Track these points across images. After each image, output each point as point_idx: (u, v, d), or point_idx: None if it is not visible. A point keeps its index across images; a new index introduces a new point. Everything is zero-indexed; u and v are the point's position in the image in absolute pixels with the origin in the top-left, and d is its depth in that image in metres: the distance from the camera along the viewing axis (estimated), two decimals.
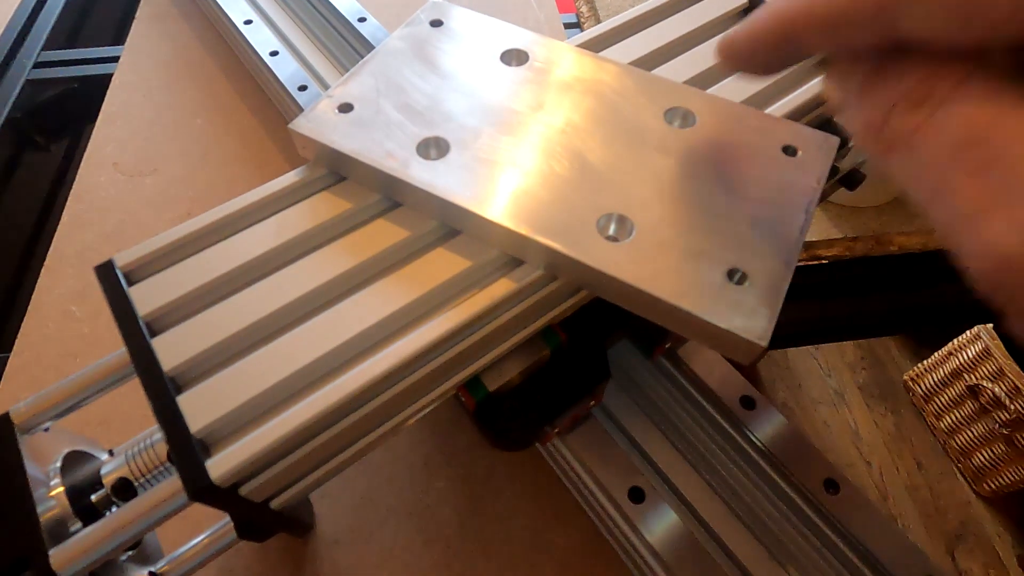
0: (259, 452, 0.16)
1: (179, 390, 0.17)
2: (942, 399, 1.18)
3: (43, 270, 0.39)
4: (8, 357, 0.36)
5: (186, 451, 0.16)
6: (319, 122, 0.21)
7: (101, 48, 0.57)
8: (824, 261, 0.39)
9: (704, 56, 0.25)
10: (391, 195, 0.20)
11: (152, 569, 0.22)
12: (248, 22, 0.44)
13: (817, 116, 0.27)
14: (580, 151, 0.20)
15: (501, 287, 0.19)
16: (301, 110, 0.39)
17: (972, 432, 1.17)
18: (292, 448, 0.17)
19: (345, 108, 0.21)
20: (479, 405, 0.22)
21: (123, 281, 0.19)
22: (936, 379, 1.19)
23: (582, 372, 0.24)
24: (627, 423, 0.27)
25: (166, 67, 0.51)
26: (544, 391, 0.23)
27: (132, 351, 0.17)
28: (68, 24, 0.61)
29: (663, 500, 0.24)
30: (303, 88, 0.39)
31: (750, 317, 0.16)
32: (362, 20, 0.42)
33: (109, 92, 0.49)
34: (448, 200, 0.19)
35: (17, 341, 0.36)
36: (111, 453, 0.23)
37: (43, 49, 0.56)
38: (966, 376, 1.14)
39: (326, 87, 0.41)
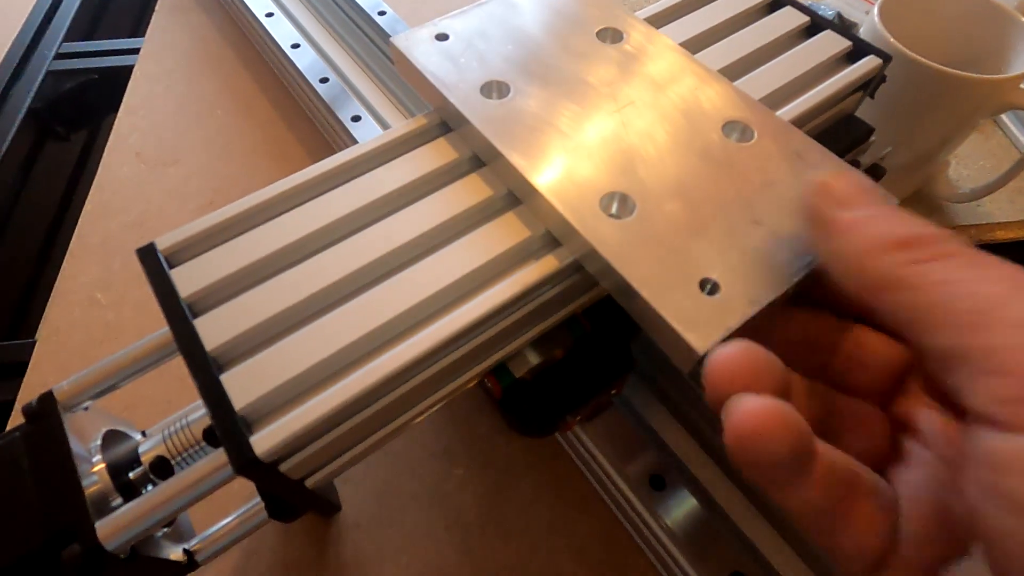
0: (301, 429, 0.16)
1: (222, 369, 0.17)
2: None
3: (67, 257, 0.40)
4: (35, 343, 0.36)
5: (231, 428, 0.16)
6: (415, 42, 0.23)
7: (121, 40, 0.57)
8: None
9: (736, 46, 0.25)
10: (452, 123, 0.23)
11: (186, 546, 0.22)
12: (269, 15, 0.44)
13: (838, 111, 0.27)
14: (623, 134, 0.20)
15: (539, 269, 0.19)
16: (322, 102, 0.39)
17: None
18: (333, 426, 0.17)
19: (441, 37, 0.23)
20: (505, 391, 0.23)
21: (165, 264, 0.19)
22: None
23: (606, 362, 0.24)
24: (646, 413, 0.28)
25: (187, 59, 0.51)
26: (569, 379, 0.23)
27: (175, 332, 0.18)
28: (88, 16, 0.61)
29: (683, 488, 0.24)
30: (324, 80, 0.40)
31: (699, 323, 0.16)
32: (382, 14, 0.42)
33: (131, 83, 0.49)
34: (487, 138, 0.20)
35: (42, 327, 0.36)
36: (144, 434, 0.24)
37: (64, 40, 0.56)
38: None
39: (346, 80, 0.41)
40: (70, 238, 0.42)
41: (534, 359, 0.23)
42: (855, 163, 0.27)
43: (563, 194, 0.19)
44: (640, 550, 0.28)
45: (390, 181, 0.21)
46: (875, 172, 0.28)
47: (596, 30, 0.24)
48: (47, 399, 0.19)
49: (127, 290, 0.38)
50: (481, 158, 0.22)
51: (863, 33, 0.36)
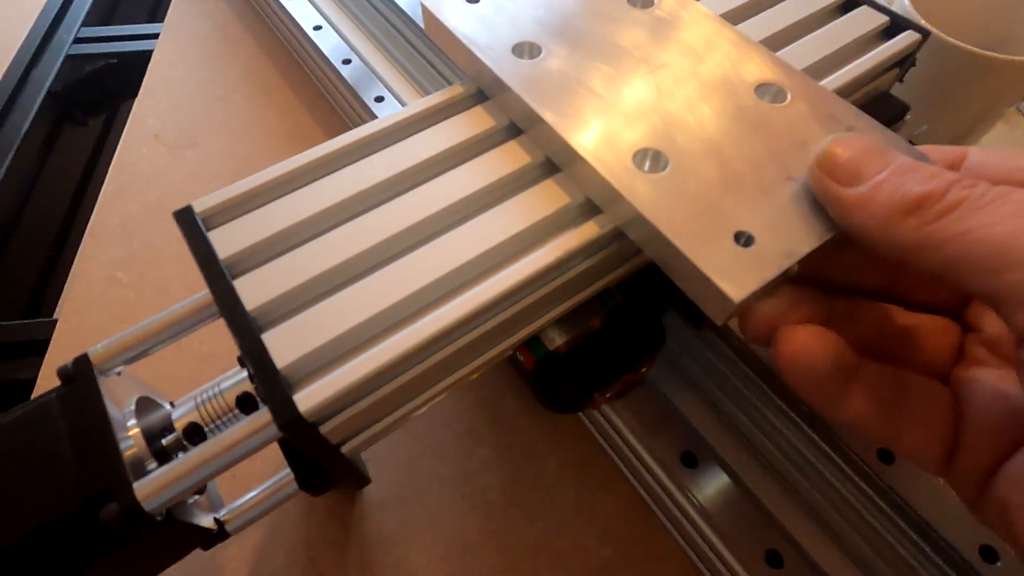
0: (344, 389, 0.16)
1: (262, 329, 0.17)
2: None
3: (86, 237, 0.40)
4: (55, 322, 0.36)
5: (274, 386, 0.16)
6: (446, 5, 0.23)
7: (139, 25, 0.57)
8: None
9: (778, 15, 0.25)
10: (487, 89, 0.23)
11: (216, 516, 0.22)
12: None
13: (873, 89, 0.27)
14: (659, 94, 0.20)
15: (578, 236, 0.19)
16: (345, 84, 0.39)
17: None
18: (373, 389, 0.17)
19: (472, 0, 0.23)
20: (538, 363, 0.23)
21: (202, 226, 0.19)
22: None
23: (638, 336, 0.24)
24: (673, 396, 0.27)
25: (206, 44, 0.51)
26: (602, 353, 0.23)
27: (215, 292, 0.18)
28: (106, 1, 0.61)
29: (715, 465, 0.24)
30: (347, 62, 0.40)
31: (734, 273, 0.16)
32: None
33: (150, 67, 0.49)
34: (518, 95, 0.20)
35: (63, 305, 0.36)
36: (172, 405, 0.23)
37: (82, 25, 0.56)
38: None
39: (367, 62, 0.41)
40: (88, 220, 0.42)
41: (567, 332, 0.23)
42: None
43: (596, 150, 0.19)
44: (666, 529, 0.28)
45: (426, 148, 0.21)
46: None
47: None
48: (82, 361, 0.19)
49: (147, 270, 0.38)
50: (518, 125, 0.22)
51: None
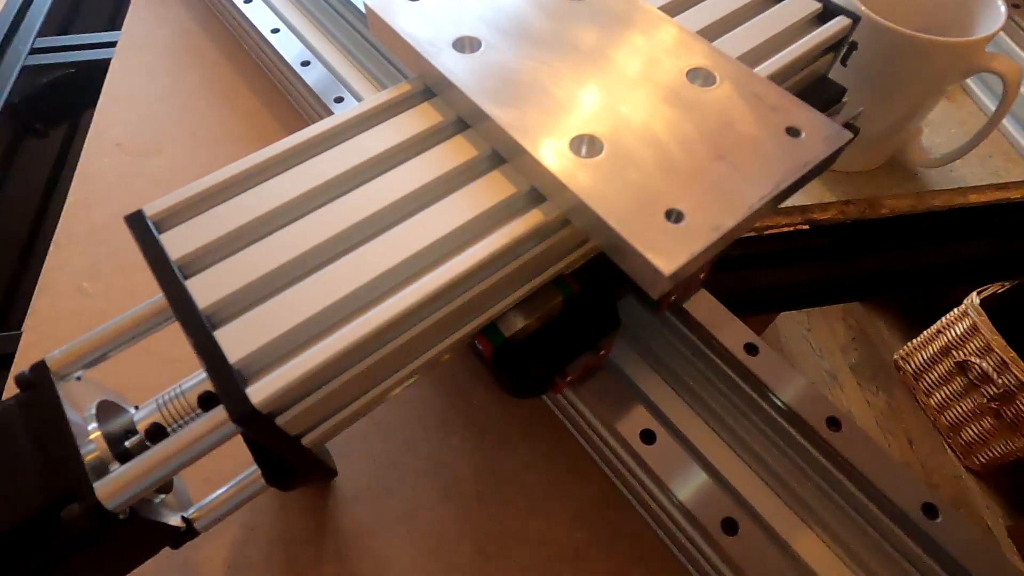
0: (296, 379, 0.16)
1: (216, 327, 0.17)
2: (932, 376, 1.21)
3: (52, 247, 0.39)
4: (20, 335, 0.36)
5: (227, 380, 0.16)
6: (390, 4, 0.24)
7: (98, 34, 0.57)
8: (817, 225, 0.40)
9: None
10: (427, 81, 0.23)
11: (184, 514, 0.22)
12: (248, 1, 0.44)
13: (810, 73, 0.28)
14: (592, 81, 0.21)
15: (524, 223, 0.19)
16: (305, 86, 0.39)
17: (961, 407, 1.20)
18: (328, 379, 0.17)
19: None
20: (497, 351, 0.23)
21: (154, 229, 0.19)
22: (925, 357, 1.21)
23: (594, 320, 0.25)
24: (636, 378, 0.28)
25: (166, 50, 0.51)
26: (558, 338, 0.24)
27: (168, 294, 0.18)
28: (62, 10, 0.60)
29: (674, 441, 0.25)
30: (306, 63, 0.40)
31: (664, 249, 0.17)
32: None
33: (110, 75, 0.49)
34: (460, 89, 0.21)
35: (28, 318, 0.36)
36: (136, 409, 0.24)
37: (38, 35, 0.56)
38: (955, 353, 1.16)
39: (327, 64, 0.41)
40: (52, 233, 0.42)
41: (524, 319, 0.23)
42: None
43: (535, 140, 0.20)
44: (634, 508, 0.29)
45: (375, 145, 0.21)
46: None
47: None
48: (40, 367, 0.20)
49: (115, 279, 0.38)
50: (464, 119, 0.22)
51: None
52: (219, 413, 0.18)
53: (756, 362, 0.27)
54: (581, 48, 0.22)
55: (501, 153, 0.21)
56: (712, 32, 0.26)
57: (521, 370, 0.23)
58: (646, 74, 0.21)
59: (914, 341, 1.24)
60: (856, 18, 0.26)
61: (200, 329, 0.17)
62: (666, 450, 0.25)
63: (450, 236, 0.19)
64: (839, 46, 0.27)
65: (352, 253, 0.19)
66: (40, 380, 0.19)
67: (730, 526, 0.23)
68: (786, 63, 0.24)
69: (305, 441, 0.19)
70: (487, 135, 0.21)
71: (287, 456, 0.20)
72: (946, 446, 1.21)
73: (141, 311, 0.20)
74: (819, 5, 0.26)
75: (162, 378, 0.34)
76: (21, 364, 0.34)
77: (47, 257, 0.39)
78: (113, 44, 0.54)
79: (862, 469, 0.24)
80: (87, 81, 0.54)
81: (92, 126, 0.46)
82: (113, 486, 0.17)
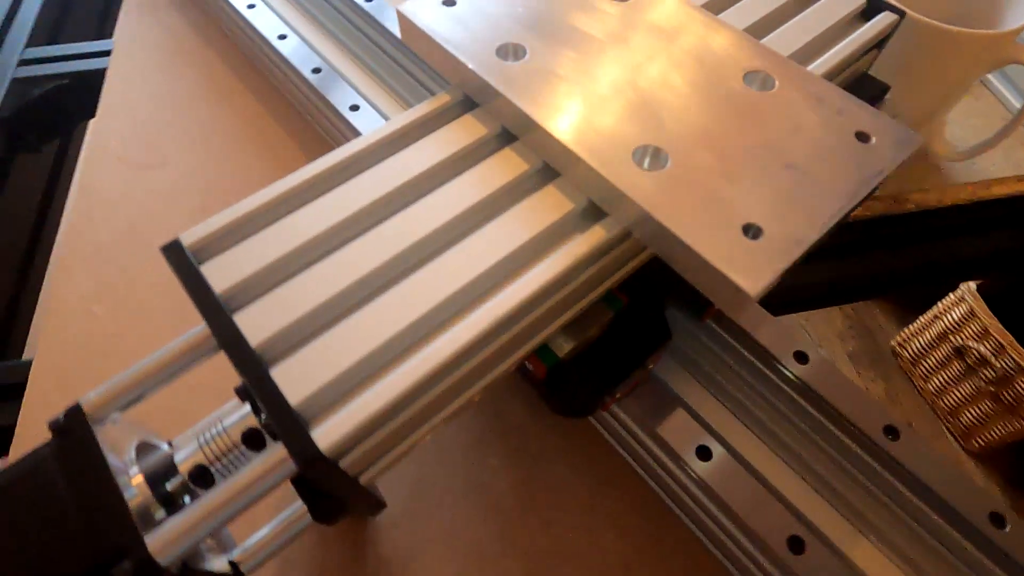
0: (364, 422, 0.15)
1: (269, 364, 0.16)
2: (929, 362, 1.22)
3: (57, 269, 0.38)
4: (30, 362, 0.34)
5: (290, 424, 0.15)
6: (422, 9, 0.22)
7: (89, 43, 0.55)
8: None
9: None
10: (468, 91, 0.22)
11: (230, 558, 0.21)
12: (251, 6, 0.42)
13: (854, 71, 0.27)
14: (647, 88, 0.20)
15: (586, 242, 0.18)
16: (317, 93, 0.38)
17: (959, 392, 1.21)
18: (392, 417, 0.16)
19: (448, 2, 0.23)
20: (550, 371, 0.22)
21: (193, 259, 0.18)
22: (923, 343, 1.22)
23: (645, 334, 0.24)
24: (680, 389, 0.27)
25: (162, 57, 0.49)
26: (611, 355, 0.23)
27: (216, 330, 0.17)
28: (49, 20, 0.58)
29: (730, 457, 0.24)
30: (317, 71, 0.38)
31: (748, 267, 0.16)
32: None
33: (106, 84, 0.47)
34: (508, 99, 0.20)
35: (39, 344, 0.35)
36: (170, 445, 0.23)
37: (26, 46, 0.54)
38: (952, 338, 1.17)
39: (336, 70, 0.40)
40: (50, 251, 0.40)
41: (576, 337, 0.23)
42: None
43: (594, 151, 0.19)
44: (682, 522, 0.28)
45: (419, 162, 0.20)
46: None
47: None
48: (75, 412, 0.18)
49: (125, 299, 0.36)
50: (510, 130, 0.21)
51: None
52: (274, 455, 0.17)
53: (807, 370, 0.26)
54: (631, 53, 0.21)
55: (554, 166, 0.20)
56: (756, 32, 0.25)
57: (576, 391, 0.23)
58: (702, 79, 0.20)
59: (911, 327, 1.25)
60: (902, 13, 0.25)
61: (255, 367, 0.16)
62: (723, 466, 0.24)
63: (507, 259, 0.18)
64: (883, 43, 0.26)
65: (405, 281, 0.18)
66: (76, 426, 0.18)
67: (796, 545, 0.22)
68: (836, 62, 0.24)
69: (362, 479, 0.18)
70: (538, 147, 0.20)
71: (342, 495, 0.19)
72: (945, 430, 1.23)
73: (179, 345, 0.19)
74: (863, 1, 0.26)
75: (183, 404, 0.32)
76: (34, 396, 0.33)
77: (53, 279, 0.37)
78: (106, 53, 0.52)
79: (924, 479, 0.23)
80: (81, 92, 0.52)
81: (90, 138, 0.44)
82: (165, 539, 0.16)
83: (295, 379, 0.16)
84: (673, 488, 0.26)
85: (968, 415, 1.18)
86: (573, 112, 0.19)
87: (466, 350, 0.17)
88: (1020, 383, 1.13)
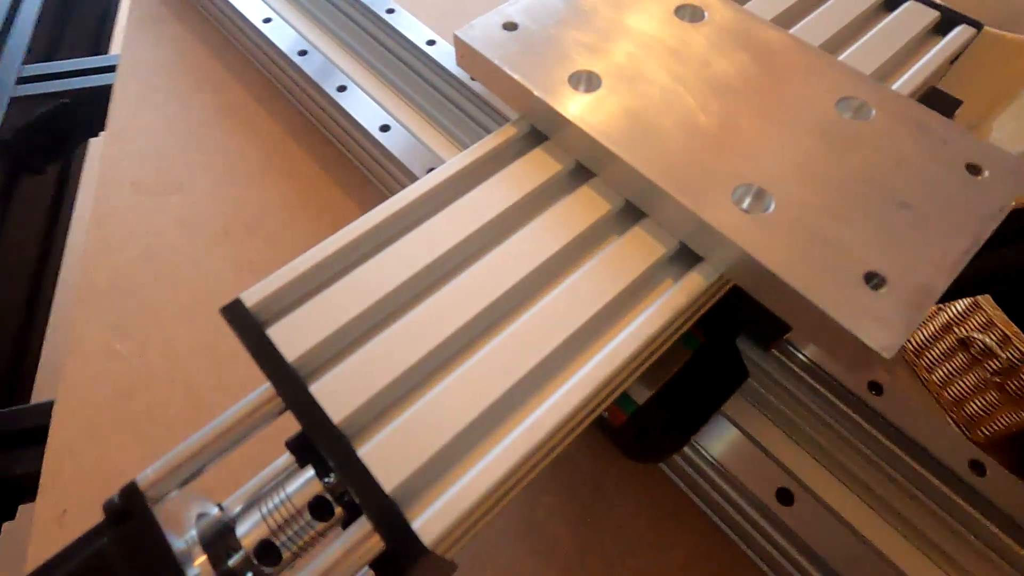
0: (467, 511, 0.14)
1: (353, 441, 0.15)
2: (934, 353, 1.22)
3: (76, 303, 0.36)
4: (51, 404, 0.33)
5: (388, 515, 0.14)
6: (482, 34, 0.21)
7: (89, 59, 0.52)
8: None
9: None
10: (537, 123, 0.20)
11: None
12: (267, 20, 0.40)
13: (927, 86, 0.26)
14: (735, 117, 0.19)
15: (684, 292, 0.17)
16: (339, 110, 0.36)
17: (964, 383, 1.21)
18: (489, 499, 0.15)
19: (510, 26, 0.21)
20: (630, 419, 0.21)
21: (258, 322, 0.16)
22: (926, 335, 1.22)
23: (722, 373, 0.23)
24: (749, 427, 0.26)
25: (170, 74, 0.47)
26: (691, 397, 0.22)
27: (292, 403, 0.15)
28: (45, 36, 0.56)
29: (811, 500, 0.23)
30: (342, 88, 0.36)
31: (879, 324, 0.15)
32: (391, 11, 0.39)
33: (112, 105, 0.45)
34: (585, 131, 0.18)
35: (61, 385, 0.33)
36: (220, 508, 0.21)
37: (24, 63, 0.51)
38: (956, 329, 1.17)
39: (360, 85, 0.38)
40: (57, 277, 0.38)
41: (653, 381, 0.21)
42: None
43: (689, 190, 0.17)
44: (751, 561, 0.27)
45: (491, 205, 0.19)
46: None
47: (674, 8, 0.22)
48: (132, 493, 0.17)
49: (149, 333, 0.34)
50: (586, 165, 0.20)
51: None
52: (357, 534, 0.16)
53: (883, 402, 0.25)
54: (712, 81, 0.20)
55: (639, 206, 0.19)
56: (831, 47, 0.23)
57: (657, 439, 0.21)
58: (793, 107, 0.19)
59: None
60: (979, 26, 0.24)
61: (341, 448, 0.14)
62: (806, 510, 0.23)
63: (599, 314, 0.17)
64: (959, 56, 0.25)
65: (491, 343, 0.16)
66: (135, 509, 0.16)
67: None
68: (920, 82, 0.22)
69: (448, 555, 0.17)
70: (619, 185, 0.19)
71: (427, 571, 0.17)
72: (950, 420, 1.23)
73: (240, 411, 0.18)
74: (936, 13, 0.24)
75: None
76: (58, 440, 0.31)
77: (70, 315, 0.36)
78: (108, 69, 0.50)
79: (1017, 518, 0.22)
80: (83, 110, 0.50)
81: (101, 162, 0.42)
82: None
83: (386, 461, 0.14)
84: (749, 531, 0.25)
85: (973, 406, 1.18)
86: (658, 146, 0.18)
87: (567, 421, 0.15)
88: None
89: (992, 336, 1.31)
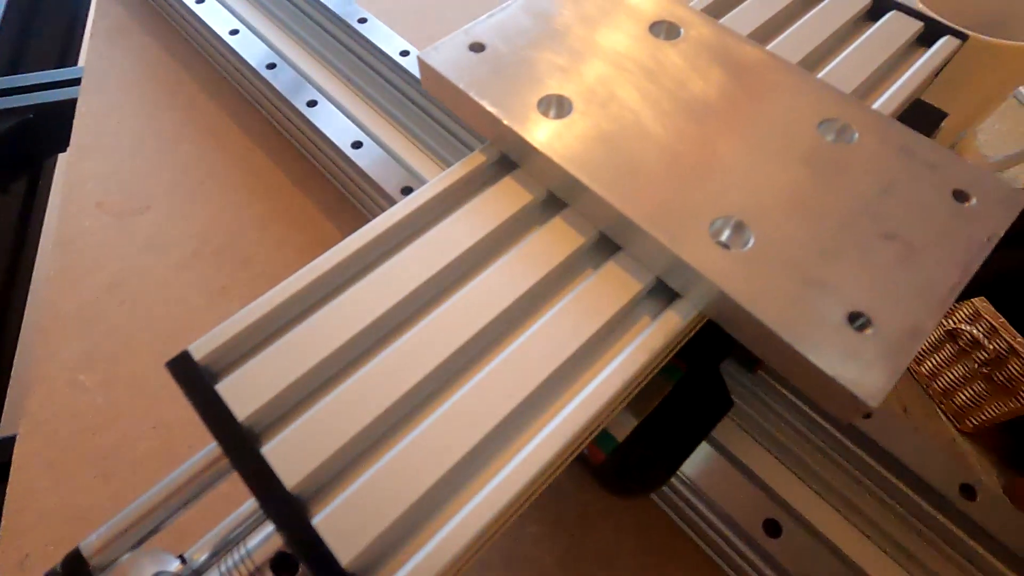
0: None
1: (307, 509, 0.14)
2: (923, 345, 1.23)
3: (38, 332, 0.34)
4: (14, 438, 0.31)
5: None
6: (448, 57, 0.20)
7: (54, 71, 0.51)
8: None
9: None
10: (506, 150, 0.19)
11: None
12: (234, 32, 0.39)
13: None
14: (713, 143, 0.18)
15: (662, 332, 0.16)
16: (310, 127, 0.35)
17: (953, 373, 1.22)
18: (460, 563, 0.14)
19: (477, 47, 0.20)
20: (609, 457, 0.20)
21: (206, 377, 0.15)
22: None
23: (706, 403, 0.22)
24: (737, 451, 0.25)
25: (137, 87, 0.45)
26: (673, 430, 0.21)
27: (241, 468, 0.14)
28: (7, 48, 0.54)
29: (801, 530, 0.22)
30: (312, 104, 0.35)
31: (864, 370, 0.14)
32: (363, 21, 0.38)
33: (77, 121, 0.43)
34: (554, 161, 0.17)
35: (23, 421, 0.31)
36: (182, 560, 0.20)
37: None
38: (944, 321, 1.18)
39: (334, 101, 0.37)
40: (25, 302, 0.37)
41: (633, 416, 0.20)
42: None
43: (664, 224, 0.16)
44: None
45: (459, 239, 0.18)
46: None
47: (649, 24, 0.21)
48: (75, 560, 0.16)
49: (114, 365, 0.33)
50: (558, 195, 0.19)
51: None
52: None
53: (872, 424, 0.24)
54: (689, 103, 0.19)
55: (613, 239, 0.18)
56: (808, 64, 0.23)
57: (638, 476, 0.20)
58: (772, 131, 0.18)
59: None
60: (964, 37, 0.23)
61: (295, 517, 0.13)
62: (795, 542, 0.22)
63: (574, 357, 0.16)
64: (942, 68, 0.24)
65: (457, 394, 0.15)
66: None
67: None
68: (904, 97, 0.21)
69: None
70: (592, 217, 0.18)
71: None
72: (939, 411, 1.24)
73: (190, 469, 0.16)
74: (920, 24, 0.24)
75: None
76: (19, 481, 0.30)
77: (33, 345, 0.34)
78: (72, 82, 0.48)
79: (1008, 544, 0.22)
80: (48, 126, 0.48)
81: (66, 182, 0.41)
82: None
83: (344, 532, 0.13)
84: (739, 563, 0.24)
85: (962, 396, 1.19)
86: (632, 176, 0.17)
87: (541, 474, 0.14)
88: (1013, 364, 1.14)
89: (979, 328, 1.33)
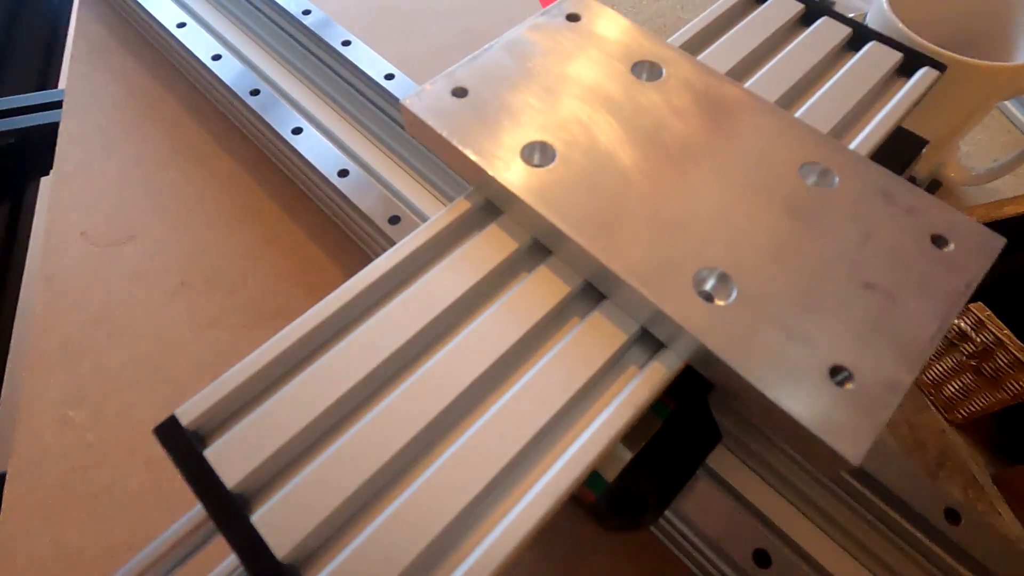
0: None
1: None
2: None
3: (25, 370, 0.34)
4: (3, 476, 0.31)
5: None
6: (430, 103, 0.20)
7: (34, 94, 0.50)
8: None
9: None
10: (491, 196, 0.20)
11: None
12: (216, 57, 0.39)
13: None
14: (696, 189, 0.18)
15: (648, 384, 0.16)
16: (296, 153, 0.35)
17: (942, 366, 1.24)
18: None
19: (460, 92, 0.20)
20: (600, 497, 0.20)
21: (195, 443, 0.15)
22: None
23: (696, 437, 0.22)
24: (739, 485, 0.26)
25: (120, 111, 0.45)
26: (664, 466, 0.21)
27: (232, 538, 0.14)
28: None
29: (794, 558, 0.23)
30: (298, 131, 0.35)
31: (845, 426, 0.14)
32: (347, 43, 0.38)
33: (59, 148, 0.43)
34: (537, 211, 0.17)
35: (11, 461, 0.31)
36: None
37: None
38: None
39: (319, 125, 0.37)
40: (9, 338, 0.37)
41: (624, 455, 0.21)
42: (911, 179, 0.26)
43: (648, 277, 0.16)
44: None
45: (445, 291, 0.18)
46: (932, 188, 0.26)
47: (631, 65, 0.21)
48: None
49: (103, 401, 0.33)
50: (542, 242, 0.19)
51: (870, 20, 0.35)
52: None
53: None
54: (672, 148, 0.19)
55: (597, 287, 0.18)
56: (789, 98, 0.23)
57: (630, 515, 0.20)
58: (754, 175, 0.18)
59: None
60: (943, 68, 0.24)
61: None
62: (786, 572, 0.22)
63: (562, 412, 0.16)
64: (921, 100, 0.24)
65: (446, 454, 0.15)
66: None
67: None
68: (884, 132, 0.22)
69: None
70: (577, 266, 0.18)
71: None
72: (929, 403, 1.26)
73: (170, 537, 0.16)
74: (900, 55, 0.24)
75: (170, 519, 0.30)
76: (9, 518, 0.29)
77: (20, 381, 0.34)
78: (53, 105, 0.48)
79: (990, 566, 0.22)
80: (30, 151, 0.48)
81: (49, 213, 0.40)
82: None
83: None
84: None
85: (951, 388, 1.21)
86: (615, 226, 0.17)
87: (533, 531, 0.15)
88: (1000, 356, 1.16)
89: (967, 320, 1.35)
